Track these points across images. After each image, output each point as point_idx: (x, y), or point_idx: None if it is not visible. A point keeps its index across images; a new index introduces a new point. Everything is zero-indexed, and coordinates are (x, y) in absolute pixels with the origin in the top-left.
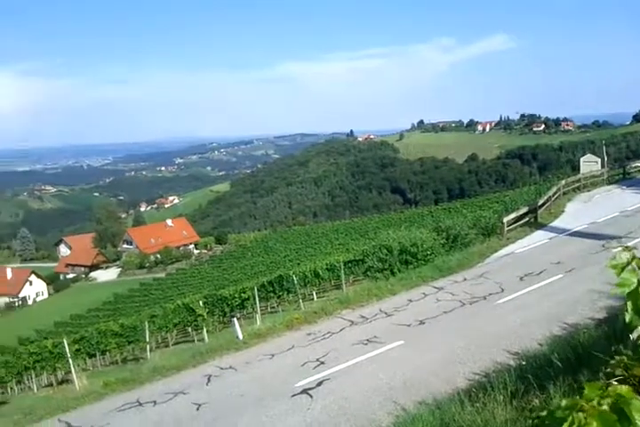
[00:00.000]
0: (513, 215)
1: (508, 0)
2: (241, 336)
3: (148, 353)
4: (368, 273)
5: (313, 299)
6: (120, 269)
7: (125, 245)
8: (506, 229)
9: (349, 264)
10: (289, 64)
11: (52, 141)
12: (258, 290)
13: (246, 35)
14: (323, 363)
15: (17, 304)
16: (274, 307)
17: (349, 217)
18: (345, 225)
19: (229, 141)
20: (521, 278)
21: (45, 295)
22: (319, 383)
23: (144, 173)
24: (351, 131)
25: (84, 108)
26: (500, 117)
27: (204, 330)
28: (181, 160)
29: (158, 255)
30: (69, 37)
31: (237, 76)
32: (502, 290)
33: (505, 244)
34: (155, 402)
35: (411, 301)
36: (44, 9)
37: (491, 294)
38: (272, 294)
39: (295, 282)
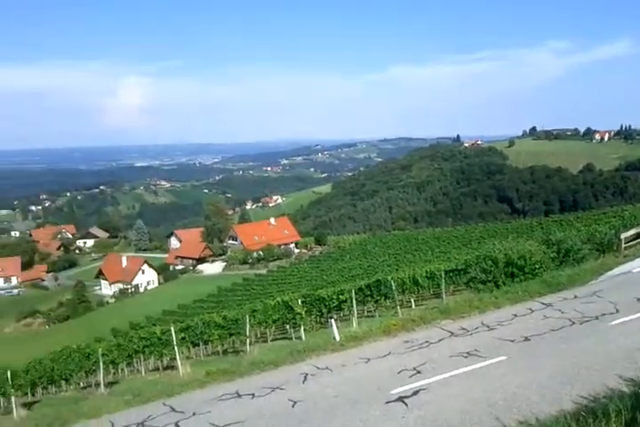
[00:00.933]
0: (632, 232)
1: (635, 4)
2: (338, 338)
3: (248, 347)
4: (470, 284)
5: (411, 306)
6: (225, 263)
7: (231, 241)
8: (623, 245)
9: (450, 273)
10: (397, 67)
11: (170, 139)
12: (355, 293)
13: (358, 38)
14: (419, 372)
15: (130, 291)
16: (370, 311)
17: (452, 225)
18: (447, 233)
19: (333, 144)
20: (638, 300)
21: (155, 284)
22: (415, 392)
23: (251, 172)
24: (457, 136)
25: (201, 108)
26: (621, 127)
27: (302, 328)
28: (287, 161)
29: (261, 252)
30: (188, 40)
31: (346, 80)
32: (617, 311)
33: (621, 261)
34: (253, 395)
35: (516, 315)
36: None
37: (604, 315)
38: (369, 299)
39: (393, 288)
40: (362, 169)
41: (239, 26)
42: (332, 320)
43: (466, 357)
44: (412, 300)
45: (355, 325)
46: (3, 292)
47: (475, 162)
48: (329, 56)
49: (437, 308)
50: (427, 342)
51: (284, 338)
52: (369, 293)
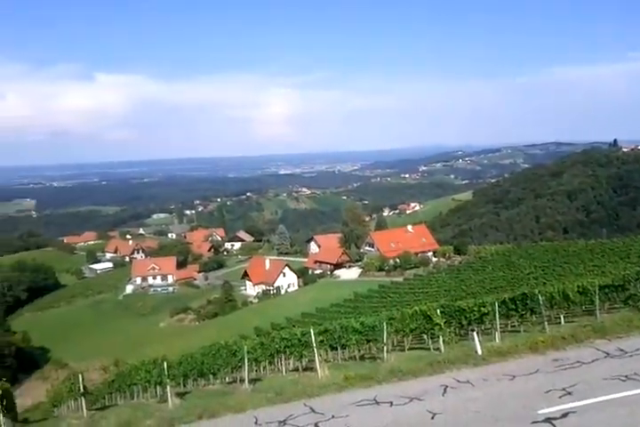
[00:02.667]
0: None
1: None
2: (480, 351)
3: (385, 354)
4: (630, 302)
5: (560, 323)
6: (361, 269)
7: (367, 248)
8: None
9: (606, 289)
10: (546, 68)
11: (312, 148)
12: (498, 306)
13: (503, 41)
14: (570, 393)
15: (272, 292)
16: (514, 326)
17: (607, 236)
18: (601, 245)
19: (475, 149)
20: None
21: (295, 287)
22: (564, 415)
23: (389, 179)
24: (614, 140)
25: (342, 117)
26: None
27: (441, 339)
28: (425, 168)
29: (397, 260)
30: (329, 52)
31: (490, 83)
32: None
33: None
34: (391, 403)
35: None
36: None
37: None
38: (513, 312)
39: (540, 302)
40: (506, 176)
41: (378, 38)
42: (474, 333)
43: (624, 380)
44: (562, 316)
45: (497, 339)
46: (160, 289)
47: (635, 168)
48: (471, 60)
49: (590, 326)
50: (578, 361)
51: (421, 348)
52: (513, 306)
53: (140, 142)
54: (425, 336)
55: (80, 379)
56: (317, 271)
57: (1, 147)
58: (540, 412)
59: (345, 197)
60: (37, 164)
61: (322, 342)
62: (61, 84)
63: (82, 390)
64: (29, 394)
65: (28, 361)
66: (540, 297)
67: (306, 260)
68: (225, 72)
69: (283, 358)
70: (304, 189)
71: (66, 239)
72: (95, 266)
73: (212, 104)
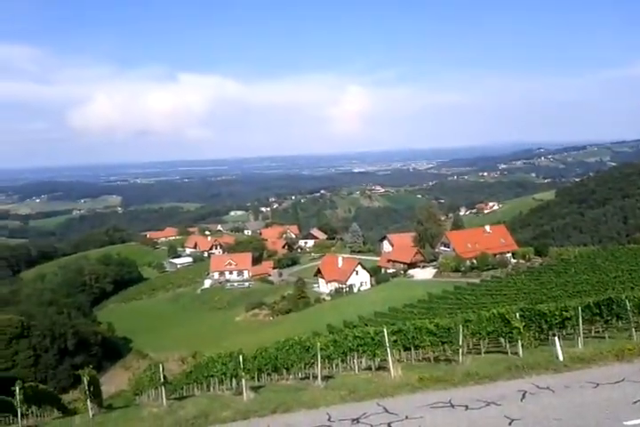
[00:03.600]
0: None
1: None
2: (561, 357)
3: (460, 357)
4: None
5: None
6: (436, 269)
7: (443, 248)
8: None
9: None
10: (635, 62)
11: (388, 146)
12: (582, 311)
13: (591, 34)
14: None
15: (344, 290)
16: (598, 332)
17: None
18: None
19: (558, 147)
20: None
21: (368, 286)
22: None
23: (466, 177)
24: None
25: (417, 114)
26: None
27: (519, 343)
28: (505, 166)
29: (474, 261)
30: (404, 50)
31: (572, 79)
32: None
33: None
34: (467, 407)
35: None
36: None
37: None
38: (598, 318)
39: (628, 308)
40: (592, 174)
41: (453, 35)
42: (556, 338)
43: None
44: None
45: (580, 345)
46: (236, 284)
47: None
48: (553, 56)
49: None
50: None
51: (498, 352)
52: (597, 311)
53: (220, 141)
54: (502, 340)
55: (161, 369)
56: (390, 270)
57: (91, 146)
58: (625, 423)
59: (420, 196)
60: (123, 161)
61: (395, 342)
62: (147, 84)
63: (162, 379)
64: (113, 382)
65: (112, 350)
66: (627, 302)
67: (379, 258)
68: (302, 73)
69: (355, 357)
70: (378, 187)
71: (149, 234)
72: (176, 260)
73: (288, 103)
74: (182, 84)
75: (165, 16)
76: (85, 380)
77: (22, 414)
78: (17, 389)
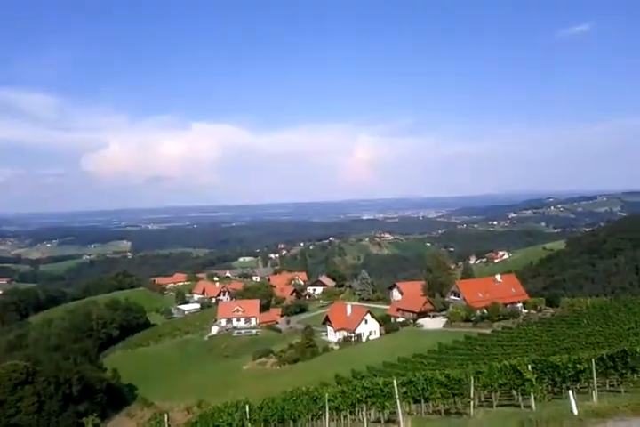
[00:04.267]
0: None
1: None
2: (576, 411)
3: (472, 410)
4: None
5: None
6: (446, 319)
7: (453, 297)
8: None
9: None
10: None
11: (397, 194)
12: (596, 363)
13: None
14: None
15: (353, 339)
16: (613, 385)
17: None
18: None
19: (569, 196)
20: None
21: (377, 335)
22: None
23: (475, 226)
24: None
25: (427, 163)
26: None
27: (532, 396)
28: (515, 215)
29: (485, 310)
30: (415, 100)
31: (581, 129)
32: None
33: None
34: None
35: None
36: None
37: None
38: (612, 371)
39: None
40: (602, 224)
41: (462, 89)
42: (570, 391)
43: None
44: None
45: (595, 399)
46: (243, 331)
47: None
48: (563, 105)
49: None
50: None
51: (510, 405)
52: (612, 364)
53: (231, 188)
54: (514, 392)
55: (165, 419)
56: (400, 319)
57: (105, 192)
58: None
59: (429, 244)
60: (136, 207)
61: (405, 393)
62: (160, 132)
63: None
64: None
65: (116, 397)
66: None
67: (388, 307)
68: (312, 122)
69: (364, 409)
70: (387, 235)
71: (157, 280)
72: (183, 307)
73: (298, 152)
74: (194, 133)
75: (179, 67)
76: None
77: None
78: None
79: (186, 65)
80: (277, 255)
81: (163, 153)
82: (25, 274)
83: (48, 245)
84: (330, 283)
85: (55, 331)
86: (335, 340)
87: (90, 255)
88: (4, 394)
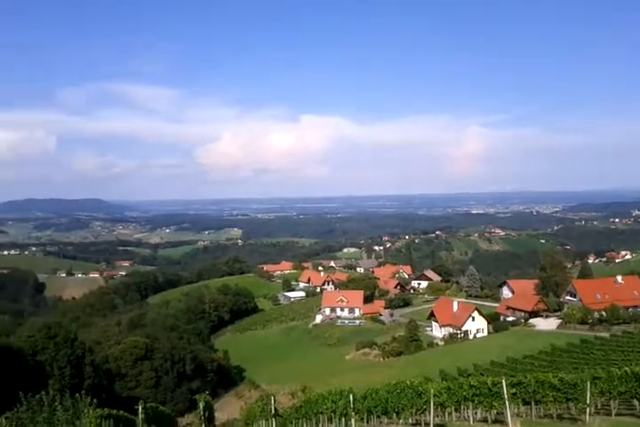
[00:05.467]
0: None
1: None
2: None
3: (587, 417)
4: None
5: None
6: (560, 320)
7: (568, 297)
8: None
9: None
10: None
11: (508, 187)
12: None
13: None
14: None
15: (459, 336)
16: None
17: None
18: None
19: None
20: None
21: (485, 333)
22: None
23: (595, 223)
24: None
25: (542, 156)
26: None
27: None
28: (639, 212)
29: (603, 313)
30: (528, 91)
31: None
32: None
33: None
34: None
35: None
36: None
37: None
38: None
39: None
40: None
41: (579, 76)
42: None
43: None
44: None
45: None
46: (347, 321)
47: None
48: None
49: None
50: None
51: (631, 414)
52: None
53: (336, 179)
54: (636, 402)
55: (272, 401)
56: (509, 318)
57: (217, 181)
58: None
59: (543, 241)
60: (245, 197)
61: (514, 394)
62: (269, 124)
63: (273, 411)
64: (225, 409)
65: (226, 378)
66: None
67: (497, 305)
68: (418, 113)
69: (470, 407)
70: (497, 230)
71: (265, 267)
72: (289, 294)
73: (404, 143)
74: (302, 125)
75: (289, 60)
76: (201, 405)
77: None
78: (139, 408)
79: (294, 57)
80: (382, 248)
81: (271, 145)
82: (145, 257)
83: (166, 230)
84: (435, 278)
85: (171, 312)
86: (440, 335)
87: (204, 241)
88: (125, 368)
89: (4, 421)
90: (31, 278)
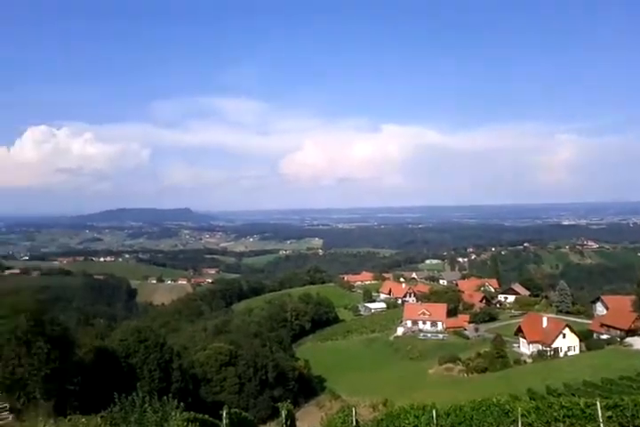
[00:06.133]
0: None
1: None
2: None
3: None
4: None
5: None
6: None
7: None
8: None
9: None
10: None
11: (602, 198)
12: None
13: None
14: None
15: (548, 354)
16: None
17: None
18: None
19: None
20: None
21: (577, 351)
22: None
23: None
24: None
25: (636, 163)
26: None
27: None
28: None
29: None
30: (619, 95)
31: None
32: None
33: None
34: None
35: None
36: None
37: None
38: None
39: None
40: None
41: None
42: None
43: None
44: None
45: None
46: (429, 335)
47: None
48: None
49: None
50: None
51: None
52: None
53: (417, 189)
54: None
55: (353, 413)
56: (604, 336)
57: (298, 191)
58: None
59: None
60: (326, 207)
61: (610, 418)
62: (350, 134)
63: (354, 423)
64: (305, 419)
65: (307, 387)
66: None
67: (590, 322)
68: (504, 121)
69: None
70: (590, 243)
71: (346, 277)
72: (370, 305)
73: (489, 152)
74: (384, 134)
75: (368, 71)
76: (284, 413)
77: None
78: (224, 413)
79: (377, 67)
80: (466, 259)
81: (352, 155)
82: (230, 265)
83: (250, 239)
84: (523, 292)
85: (255, 319)
86: (528, 352)
87: (286, 251)
88: (210, 373)
89: (99, 419)
90: (124, 284)
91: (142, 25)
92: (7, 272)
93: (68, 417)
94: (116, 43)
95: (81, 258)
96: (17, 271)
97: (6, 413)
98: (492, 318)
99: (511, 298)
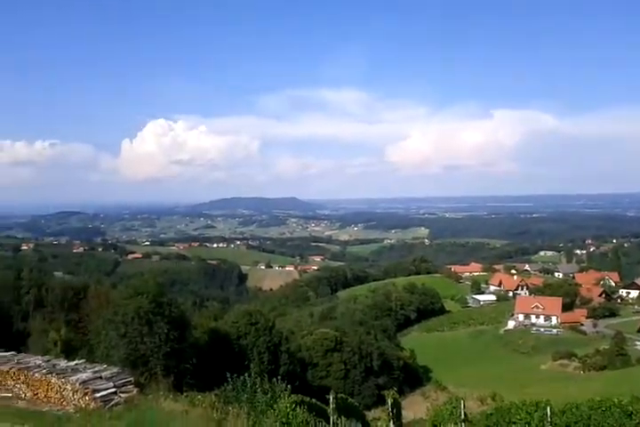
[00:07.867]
0: None
1: None
2: None
3: None
4: None
5: None
6: None
7: None
8: None
9: None
10: None
11: None
12: None
13: None
14: None
15: None
16: None
17: None
18: None
19: None
20: None
21: None
22: None
23: None
24: None
25: None
26: None
27: None
28: None
29: None
30: None
31: None
32: None
33: None
34: None
35: None
36: None
37: None
38: None
39: None
40: None
41: None
42: None
43: None
44: None
45: None
46: (542, 329)
47: None
48: None
49: None
50: None
51: None
52: None
53: (530, 177)
54: None
55: (462, 405)
56: None
57: (404, 179)
58: None
59: None
60: (432, 195)
61: None
62: (459, 121)
63: (463, 416)
64: (411, 408)
65: (412, 377)
66: None
67: None
68: (624, 105)
69: None
70: None
71: (453, 268)
72: (479, 297)
73: (611, 136)
74: (495, 120)
75: (478, 57)
76: (390, 401)
77: (333, 423)
78: (330, 398)
79: (488, 55)
80: (584, 251)
81: (460, 142)
82: (335, 253)
83: (355, 228)
84: None
85: (359, 307)
86: None
87: (390, 240)
88: (317, 358)
89: (213, 397)
90: (236, 269)
91: (239, 25)
92: (130, 256)
93: (185, 393)
94: (220, 43)
95: (196, 244)
96: (139, 255)
97: (131, 386)
98: (613, 314)
99: (634, 293)
